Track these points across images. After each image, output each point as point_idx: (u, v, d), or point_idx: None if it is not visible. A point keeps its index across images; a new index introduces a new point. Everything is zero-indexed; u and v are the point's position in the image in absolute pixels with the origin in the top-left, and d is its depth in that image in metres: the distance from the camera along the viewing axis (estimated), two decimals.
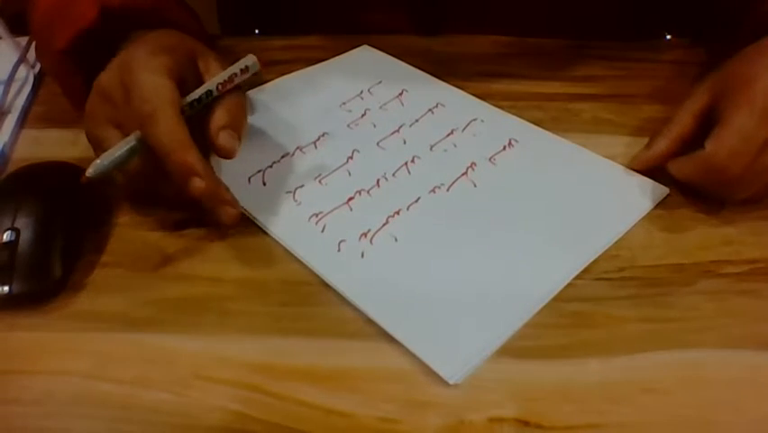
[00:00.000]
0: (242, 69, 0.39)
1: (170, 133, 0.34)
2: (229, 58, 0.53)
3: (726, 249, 0.38)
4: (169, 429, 0.30)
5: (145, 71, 0.35)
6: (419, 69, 0.54)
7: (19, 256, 0.36)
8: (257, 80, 0.39)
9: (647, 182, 0.42)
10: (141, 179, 0.37)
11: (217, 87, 0.38)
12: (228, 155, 0.36)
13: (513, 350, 0.33)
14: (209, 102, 0.37)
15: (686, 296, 0.36)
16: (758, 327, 0.34)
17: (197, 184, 0.34)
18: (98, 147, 0.37)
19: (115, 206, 0.42)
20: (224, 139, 0.36)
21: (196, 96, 0.37)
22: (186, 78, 0.37)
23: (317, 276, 0.37)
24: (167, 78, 0.36)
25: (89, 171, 0.34)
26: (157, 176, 0.36)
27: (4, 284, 0.35)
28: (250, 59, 0.39)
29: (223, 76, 0.38)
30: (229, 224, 0.37)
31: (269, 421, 0.30)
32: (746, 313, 0.35)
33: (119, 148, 0.35)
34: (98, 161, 0.35)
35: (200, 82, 0.39)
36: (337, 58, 0.55)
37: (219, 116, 0.37)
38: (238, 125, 0.37)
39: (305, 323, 0.35)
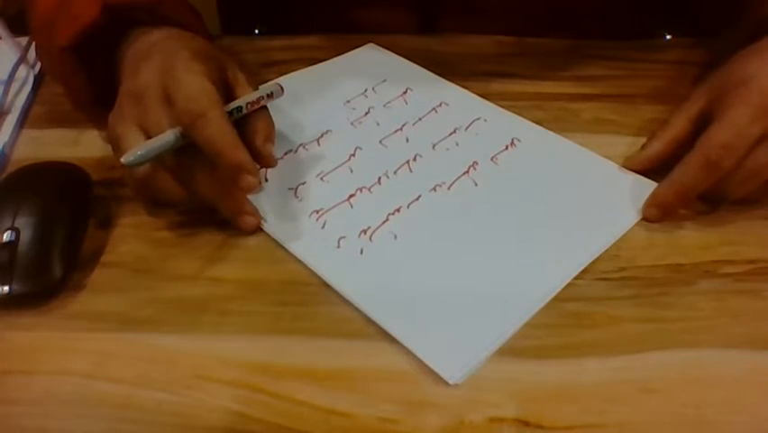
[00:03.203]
0: (268, 94, 0.41)
1: (223, 132, 0.35)
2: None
3: (726, 249, 0.38)
4: (169, 429, 0.30)
5: (190, 74, 0.36)
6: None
7: (19, 256, 0.36)
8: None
9: (648, 182, 0.42)
10: (165, 178, 0.37)
11: (247, 105, 0.39)
12: (272, 164, 0.40)
13: (513, 350, 0.33)
14: (238, 117, 0.39)
15: (686, 296, 0.36)
16: (758, 326, 0.34)
17: (250, 180, 0.36)
18: (117, 146, 0.37)
19: (115, 206, 0.42)
20: (269, 149, 0.39)
21: (229, 109, 0.38)
22: (218, 87, 0.38)
23: (317, 276, 0.37)
24: (210, 82, 0.37)
25: (126, 159, 0.35)
26: (186, 174, 0.37)
27: (4, 284, 0.35)
28: (276, 87, 0.42)
29: (253, 96, 0.40)
30: (249, 231, 0.39)
31: (269, 421, 0.30)
32: (746, 313, 0.35)
33: (157, 141, 0.35)
34: (136, 149, 0.35)
35: (228, 92, 0.40)
36: (343, 56, 0.55)
37: (262, 129, 0.39)
38: (273, 140, 0.40)
39: (304, 323, 0.35)
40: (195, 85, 0.36)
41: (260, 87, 0.42)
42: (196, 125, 0.35)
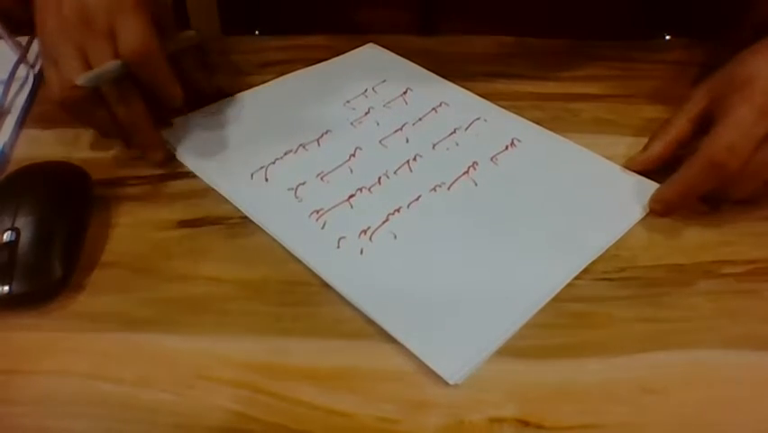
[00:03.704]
0: (189, 38, 0.46)
1: (165, 70, 0.42)
2: (230, 58, 0.54)
3: (726, 249, 0.38)
4: (169, 429, 0.30)
5: (139, 16, 0.41)
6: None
7: (19, 256, 0.36)
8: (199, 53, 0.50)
9: (648, 183, 0.42)
10: (98, 102, 0.42)
11: (171, 45, 0.45)
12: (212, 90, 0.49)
13: (513, 350, 0.33)
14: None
15: (686, 296, 0.36)
16: (758, 327, 0.34)
17: (179, 102, 0.44)
18: (55, 62, 0.41)
19: (115, 206, 0.42)
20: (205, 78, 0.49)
21: None
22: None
23: (317, 276, 0.37)
24: (154, 26, 0.42)
25: (81, 80, 0.39)
26: (116, 102, 0.42)
27: (4, 284, 0.35)
28: (193, 32, 0.47)
29: (178, 39, 0.46)
30: (157, 163, 0.45)
31: (269, 421, 0.30)
32: (746, 313, 0.35)
33: (108, 67, 0.40)
34: (92, 73, 0.40)
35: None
36: (342, 56, 0.55)
37: (194, 63, 0.48)
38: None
39: (305, 323, 0.35)
40: (143, 27, 0.41)
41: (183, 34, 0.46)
42: (143, 62, 0.41)
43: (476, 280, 0.36)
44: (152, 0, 0.43)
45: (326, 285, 0.36)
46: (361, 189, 0.42)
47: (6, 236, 0.36)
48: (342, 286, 0.36)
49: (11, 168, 0.44)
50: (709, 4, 0.54)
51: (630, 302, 0.35)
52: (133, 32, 0.40)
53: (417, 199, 0.41)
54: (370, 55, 0.56)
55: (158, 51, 0.41)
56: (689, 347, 0.33)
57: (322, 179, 0.43)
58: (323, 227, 0.39)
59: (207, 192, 0.42)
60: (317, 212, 0.40)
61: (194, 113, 0.48)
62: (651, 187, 0.41)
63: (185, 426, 0.30)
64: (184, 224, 0.40)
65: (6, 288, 0.35)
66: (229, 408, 0.31)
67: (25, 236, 0.36)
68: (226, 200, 0.42)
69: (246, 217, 0.40)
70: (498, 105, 0.49)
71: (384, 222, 0.39)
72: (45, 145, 0.47)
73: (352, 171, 0.43)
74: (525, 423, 0.30)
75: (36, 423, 0.31)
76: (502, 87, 0.51)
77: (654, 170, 0.42)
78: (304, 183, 0.42)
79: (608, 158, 0.44)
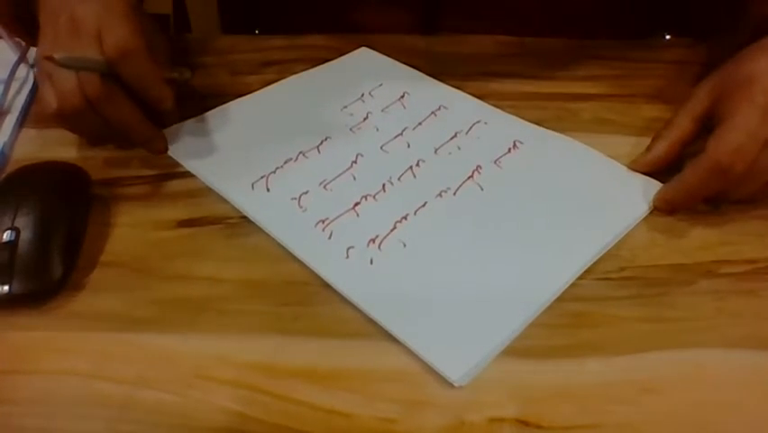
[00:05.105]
0: (180, 72, 0.47)
1: (152, 71, 0.42)
2: (230, 58, 0.54)
3: (726, 249, 0.38)
4: (169, 429, 0.30)
5: (125, 20, 0.41)
6: (419, 69, 0.53)
7: (19, 256, 0.36)
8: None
9: (649, 182, 0.42)
10: (85, 105, 0.41)
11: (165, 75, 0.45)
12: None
13: (513, 350, 0.33)
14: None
15: (686, 296, 0.36)
16: (758, 327, 0.34)
17: (169, 104, 0.43)
18: (49, 75, 0.41)
19: (115, 206, 0.42)
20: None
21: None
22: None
23: (317, 276, 0.37)
24: (140, 32, 0.42)
25: (58, 56, 0.39)
26: (107, 103, 0.42)
27: (4, 284, 0.35)
28: (188, 72, 0.48)
29: (171, 70, 0.46)
30: (159, 153, 0.45)
31: (269, 421, 0.30)
32: (746, 313, 0.35)
33: (88, 56, 0.40)
34: (68, 55, 0.40)
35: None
36: (336, 60, 0.55)
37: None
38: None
39: (305, 323, 0.35)
40: (128, 29, 0.41)
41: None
42: (125, 59, 0.40)
43: (481, 282, 0.36)
44: (141, 12, 0.43)
45: (326, 285, 0.36)
46: (365, 197, 0.41)
47: (6, 236, 0.36)
48: (355, 296, 0.35)
49: (11, 168, 0.44)
50: (709, 3, 0.54)
51: (630, 302, 0.35)
52: (117, 33, 0.41)
53: (424, 206, 0.40)
54: (364, 59, 0.55)
55: (142, 51, 0.41)
56: (689, 347, 0.33)
57: (325, 187, 0.42)
58: (329, 237, 0.39)
59: (207, 192, 0.42)
60: (323, 222, 0.40)
61: (189, 121, 0.48)
62: (654, 186, 0.41)
63: (185, 426, 0.30)
64: (183, 223, 0.40)
65: (6, 287, 0.35)
66: (229, 408, 0.31)
67: (25, 236, 0.36)
68: (226, 200, 0.42)
69: (245, 217, 0.40)
70: (498, 106, 0.49)
71: (392, 230, 0.39)
72: (45, 145, 0.47)
73: (355, 179, 0.43)
74: (525, 423, 0.30)
75: (36, 423, 0.31)
76: (502, 86, 0.51)
77: (659, 171, 0.42)
78: (307, 192, 0.42)
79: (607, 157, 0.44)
